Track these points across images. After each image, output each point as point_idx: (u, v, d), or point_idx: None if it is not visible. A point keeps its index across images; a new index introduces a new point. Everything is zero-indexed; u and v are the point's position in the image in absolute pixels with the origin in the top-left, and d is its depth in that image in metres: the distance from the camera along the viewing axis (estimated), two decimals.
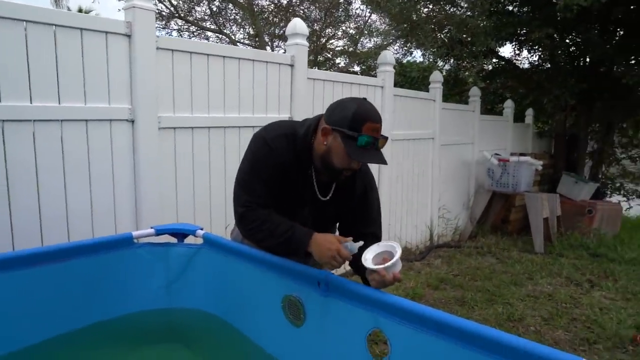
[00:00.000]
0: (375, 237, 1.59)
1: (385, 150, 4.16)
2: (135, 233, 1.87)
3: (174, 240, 1.99)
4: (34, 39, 1.94)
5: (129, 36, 2.23)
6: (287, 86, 3.09)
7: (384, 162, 1.40)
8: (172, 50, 2.41)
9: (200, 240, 1.91)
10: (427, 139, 4.83)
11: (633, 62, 6.15)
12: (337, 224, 1.71)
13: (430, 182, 4.96)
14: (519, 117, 7.18)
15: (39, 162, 2.01)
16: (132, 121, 2.29)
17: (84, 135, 2.13)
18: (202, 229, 1.94)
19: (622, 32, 6.30)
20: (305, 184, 1.54)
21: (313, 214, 1.58)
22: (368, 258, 1.34)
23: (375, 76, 4.15)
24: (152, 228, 1.94)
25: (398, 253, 1.31)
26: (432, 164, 4.94)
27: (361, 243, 1.37)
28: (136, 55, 2.23)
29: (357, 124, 1.36)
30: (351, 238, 1.38)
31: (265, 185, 1.47)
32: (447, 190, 5.27)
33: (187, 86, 2.51)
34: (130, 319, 1.80)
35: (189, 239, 1.98)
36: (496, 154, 5.54)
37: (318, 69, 7.42)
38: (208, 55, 2.58)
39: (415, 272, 4.03)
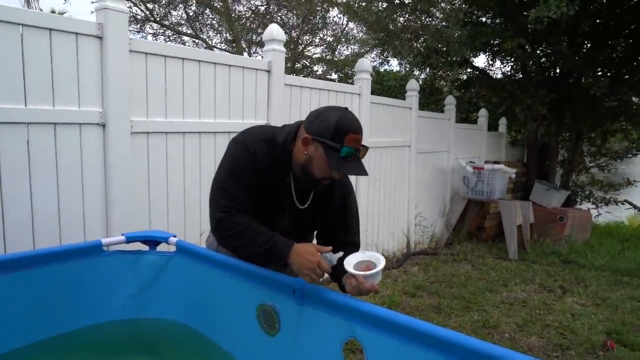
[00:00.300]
0: (354, 246, 1.58)
1: (363, 158, 4.18)
2: (104, 240, 1.82)
3: (145, 247, 1.94)
4: None
5: (100, 38, 2.17)
6: (263, 92, 3.07)
7: (365, 173, 1.41)
8: (146, 53, 2.36)
9: (173, 248, 1.87)
10: (404, 147, 4.86)
11: (600, 73, 6.38)
12: (315, 233, 1.69)
13: (407, 189, 4.99)
14: (492, 126, 7.33)
15: (3, 166, 1.93)
16: (103, 125, 2.23)
17: (52, 138, 2.05)
18: (175, 237, 1.90)
19: (589, 45, 6.54)
20: (283, 192, 1.53)
21: (291, 222, 1.56)
22: (351, 262, 1.32)
23: (353, 84, 4.16)
24: (122, 235, 1.88)
25: (381, 265, 1.30)
26: (409, 171, 4.97)
27: (341, 254, 1.35)
28: (108, 57, 2.17)
29: (340, 135, 1.35)
30: (330, 248, 1.36)
31: (245, 191, 1.44)
32: (423, 198, 5.31)
33: (161, 90, 2.47)
34: (97, 329, 1.74)
35: (162, 247, 1.93)
36: (471, 162, 5.63)
37: (296, 76, 7.40)
38: (183, 59, 2.54)
39: (392, 279, 4.04)
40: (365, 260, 1.33)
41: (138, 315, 1.84)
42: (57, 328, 1.66)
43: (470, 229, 5.79)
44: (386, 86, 8.78)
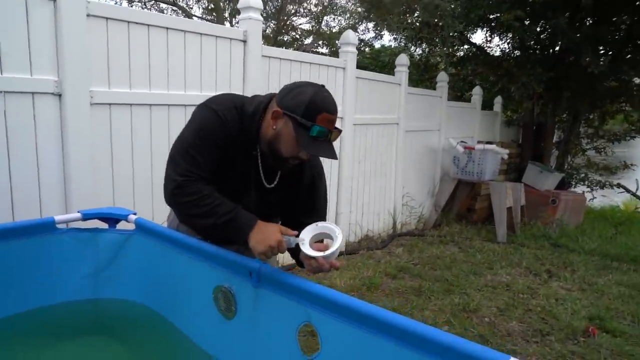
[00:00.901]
0: None
1: (347, 135, 4.22)
2: (58, 217, 1.76)
3: (104, 225, 1.88)
4: None
5: (54, 0, 2.07)
6: (239, 64, 2.98)
7: (335, 157, 1.36)
8: (107, 18, 2.26)
9: (133, 226, 1.82)
10: (392, 124, 4.80)
11: (601, 52, 6.29)
12: (280, 215, 1.64)
13: (394, 169, 4.95)
14: (488, 105, 7.27)
15: None
16: (59, 95, 2.15)
17: (1, 108, 1.97)
18: (134, 214, 1.85)
19: (590, 21, 6.43)
20: (250, 167, 1.48)
21: (256, 202, 1.51)
22: (306, 241, 1.28)
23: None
24: (78, 212, 1.83)
25: (338, 240, 1.26)
26: (397, 150, 4.92)
27: (304, 240, 1.30)
28: (62, 21, 2.07)
29: (312, 112, 1.30)
30: (296, 233, 1.32)
31: (211, 160, 1.39)
32: (411, 178, 5.28)
33: (125, 59, 2.38)
34: (52, 310, 1.71)
35: (122, 225, 1.87)
36: (462, 142, 5.59)
37: (280, 48, 7.24)
38: (148, 25, 2.44)
39: (375, 260, 4.03)
40: (320, 232, 1.30)
41: (95, 296, 1.82)
42: (10, 309, 1.61)
43: (460, 210, 5.79)
44: (381, 62, 8.67)
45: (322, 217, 1.59)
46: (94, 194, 2.30)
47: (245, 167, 1.47)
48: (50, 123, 2.14)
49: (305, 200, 1.56)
